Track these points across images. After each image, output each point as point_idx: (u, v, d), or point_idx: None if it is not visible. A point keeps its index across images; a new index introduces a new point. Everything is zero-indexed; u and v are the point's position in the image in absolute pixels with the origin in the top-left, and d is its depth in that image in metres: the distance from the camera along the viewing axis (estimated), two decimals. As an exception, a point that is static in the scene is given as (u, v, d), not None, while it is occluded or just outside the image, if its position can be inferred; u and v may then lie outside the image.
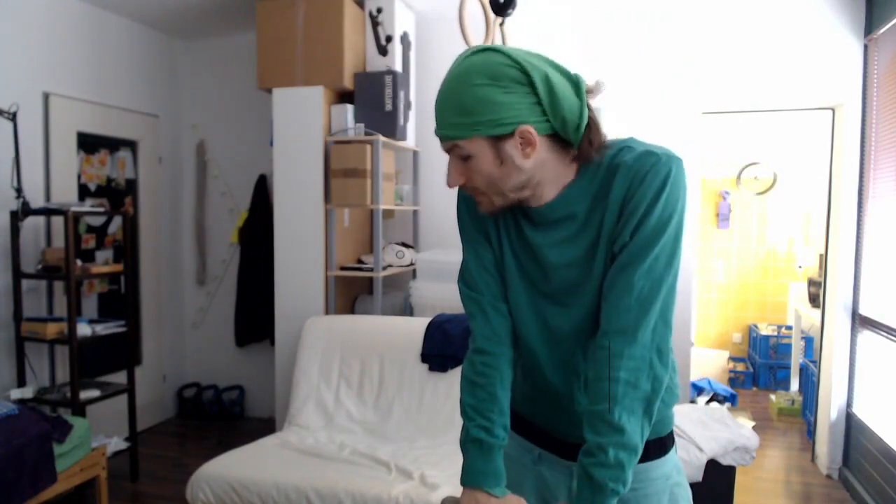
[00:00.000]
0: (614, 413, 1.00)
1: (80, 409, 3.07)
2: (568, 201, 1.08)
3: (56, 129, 3.47)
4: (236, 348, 4.43)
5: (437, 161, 3.89)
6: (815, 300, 4.60)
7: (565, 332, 1.13)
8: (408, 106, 3.65)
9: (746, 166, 5.75)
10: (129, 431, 3.44)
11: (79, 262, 3.19)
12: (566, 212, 1.08)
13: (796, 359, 4.94)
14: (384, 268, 3.50)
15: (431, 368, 3.02)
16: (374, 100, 3.43)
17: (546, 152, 1.03)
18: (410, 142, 3.79)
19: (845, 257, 3.44)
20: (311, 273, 3.41)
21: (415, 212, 3.99)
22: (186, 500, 2.50)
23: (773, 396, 4.86)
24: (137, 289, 4.13)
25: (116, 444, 3.32)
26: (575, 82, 1.01)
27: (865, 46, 3.35)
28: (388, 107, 3.43)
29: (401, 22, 3.60)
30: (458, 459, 1.19)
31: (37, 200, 3.30)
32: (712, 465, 2.63)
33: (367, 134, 3.37)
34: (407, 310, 3.65)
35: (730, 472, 2.73)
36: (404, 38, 3.66)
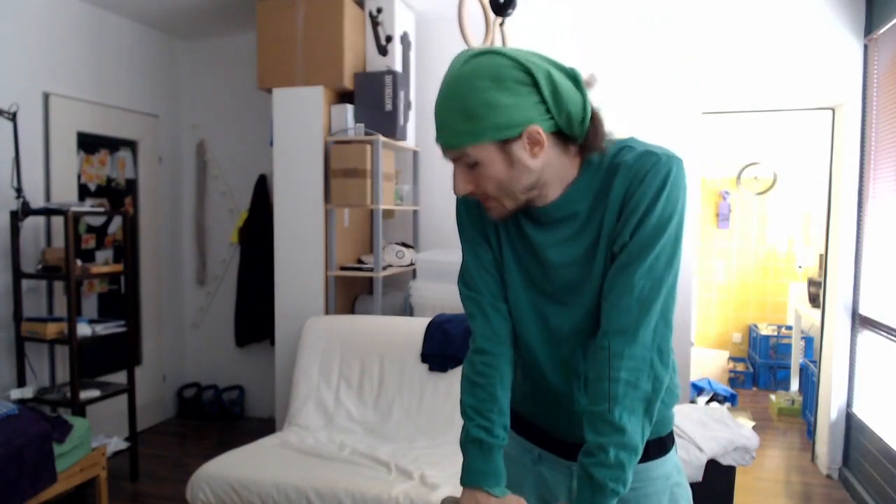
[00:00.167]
0: (615, 413, 1.00)
1: (80, 409, 3.07)
2: (570, 200, 1.07)
3: (56, 129, 3.47)
4: (236, 348, 4.43)
5: (437, 161, 3.88)
6: (815, 300, 4.60)
7: (565, 331, 1.13)
8: (408, 106, 3.65)
9: (746, 166, 5.75)
10: (129, 431, 3.44)
11: (79, 262, 3.19)
12: (568, 211, 1.08)
13: (796, 359, 4.94)
14: (384, 268, 3.50)
15: (431, 368, 3.02)
16: (374, 100, 3.43)
17: (552, 150, 1.02)
18: (410, 142, 3.79)
19: (845, 257, 3.44)
20: (311, 273, 3.41)
21: (415, 212, 3.99)
22: (186, 500, 2.50)
23: (773, 396, 4.86)
24: (137, 289, 4.13)
25: (116, 444, 3.32)
26: (573, 76, 1.01)
27: (865, 46, 3.35)
28: (388, 107, 3.43)
29: (401, 22, 3.61)
30: (458, 459, 1.19)
31: (37, 200, 3.30)
32: (712, 465, 2.63)
33: (367, 134, 3.37)
34: (407, 310, 3.65)
35: (730, 472, 2.73)
36: (404, 38, 3.66)
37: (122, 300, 3.72)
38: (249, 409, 4.51)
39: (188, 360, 4.63)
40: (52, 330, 3.08)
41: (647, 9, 3.63)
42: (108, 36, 3.84)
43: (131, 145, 4.09)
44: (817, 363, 3.79)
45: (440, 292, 3.39)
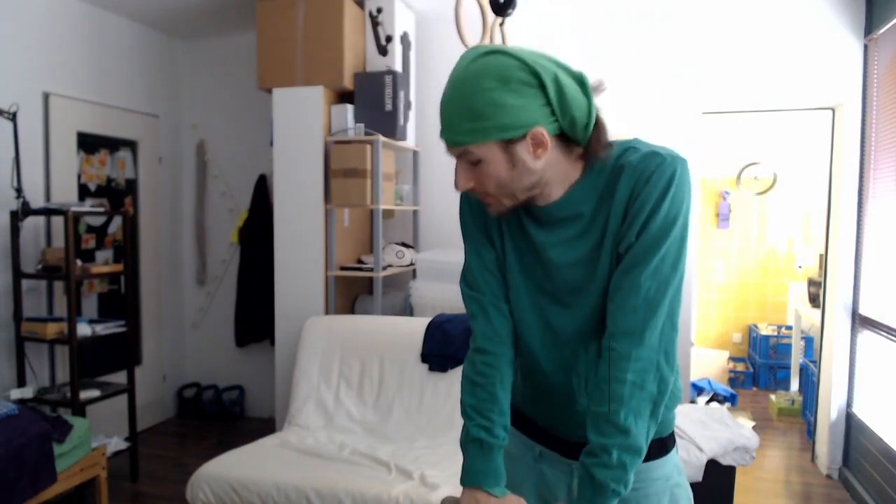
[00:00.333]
0: (620, 414, 0.99)
1: (80, 409, 3.07)
2: (574, 201, 1.07)
3: (56, 129, 3.47)
4: (236, 348, 4.42)
5: (437, 161, 3.89)
6: (815, 300, 4.60)
7: (567, 332, 1.13)
8: (408, 106, 3.65)
9: (746, 166, 5.75)
10: (129, 431, 3.44)
11: (79, 262, 3.19)
12: (572, 211, 1.08)
13: (796, 359, 4.94)
14: (384, 268, 3.50)
15: (431, 368, 3.02)
16: (374, 100, 3.43)
17: (555, 152, 1.02)
18: (410, 142, 3.79)
19: (845, 257, 3.44)
20: (311, 273, 3.41)
21: (415, 212, 3.99)
22: (186, 500, 2.50)
23: (773, 396, 4.86)
24: (137, 289, 4.13)
25: (116, 444, 3.32)
26: (581, 81, 1.01)
27: (865, 46, 3.35)
28: (388, 107, 3.43)
29: (401, 22, 3.61)
30: (458, 459, 1.19)
31: (37, 200, 3.30)
32: (712, 465, 2.63)
33: (367, 134, 3.37)
34: (407, 310, 3.65)
35: (730, 472, 2.73)
36: (404, 38, 3.66)
37: (122, 300, 3.72)
38: (249, 409, 4.51)
39: (188, 360, 4.63)
40: (52, 330, 3.08)
41: (647, 9, 3.63)
42: (108, 36, 3.84)
43: (131, 145, 4.09)
44: (817, 363, 3.79)
45: (440, 292, 3.39)
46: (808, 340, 5.11)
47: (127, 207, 4.01)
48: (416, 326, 3.13)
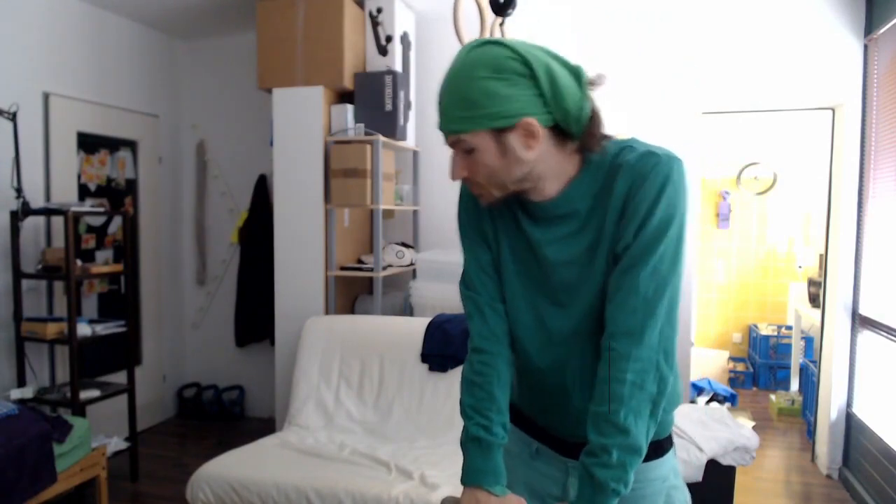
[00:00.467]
0: (620, 414, 1.00)
1: (80, 409, 3.07)
2: (570, 198, 1.08)
3: (56, 129, 3.47)
4: (236, 348, 4.42)
5: (437, 161, 3.89)
6: (815, 300, 4.60)
7: (562, 332, 1.13)
8: (408, 106, 3.65)
9: (746, 166, 5.75)
10: (129, 431, 3.44)
11: (79, 262, 3.19)
12: (568, 209, 1.08)
13: (796, 359, 4.94)
14: (384, 268, 3.50)
15: (431, 368, 3.02)
16: (374, 100, 3.43)
17: (548, 144, 1.03)
18: (410, 142, 3.79)
19: (845, 257, 3.44)
20: (311, 273, 3.41)
21: (415, 212, 3.99)
22: (186, 500, 2.50)
23: (773, 396, 4.86)
24: (137, 289, 4.13)
25: (116, 444, 3.32)
26: (576, 73, 1.02)
27: (865, 46, 3.35)
28: (388, 107, 3.43)
29: (401, 22, 3.61)
30: (458, 459, 1.19)
31: (37, 200, 3.30)
32: (712, 465, 2.63)
33: (367, 134, 3.37)
34: (407, 310, 3.65)
35: (730, 472, 2.73)
36: (404, 38, 3.66)
37: (122, 300, 3.72)
38: (249, 409, 4.51)
39: (188, 360, 4.63)
40: (52, 330, 3.08)
41: (647, 9, 3.63)
42: (108, 36, 3.84)
43: (131, 145, 4.09)
44: (817, 363, 3.79)
45: (440, 292, 3.39)
46: (808, 340, 5.11)
47: (127, 207, 4.01)
48: (416, 326, 3.13)
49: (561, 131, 1.03)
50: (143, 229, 4.17)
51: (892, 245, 3.04)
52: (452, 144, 1.06)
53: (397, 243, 3.76)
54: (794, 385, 4.93)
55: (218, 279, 4.53)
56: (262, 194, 4.26)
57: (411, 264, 3.67)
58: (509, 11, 2.89)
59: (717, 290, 5.90)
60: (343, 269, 3.50)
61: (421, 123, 3.86)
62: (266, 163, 4.10)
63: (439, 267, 3.41)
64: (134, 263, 4.01)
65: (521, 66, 0.97)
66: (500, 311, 1.19)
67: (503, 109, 0.98)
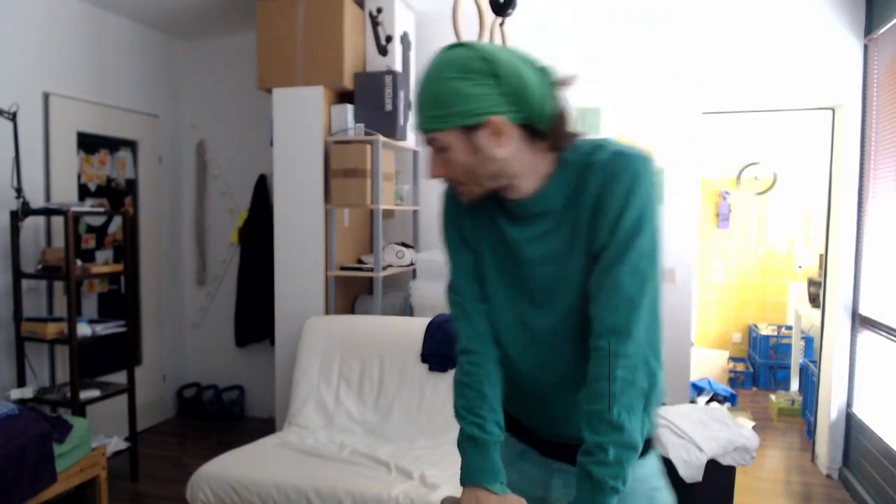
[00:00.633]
0: (614, 411, 1.01)
1: (80, 409, 3.07)
2: (546, 196, 1.10)
3: (56, 129, 3.47)
4: (236, 348, 4.42)
5: (437, 161, 3.88)
6: (815, 300, 4.60)
7: (542, 332, 1.15)
8: (408, 106, 3.65)
9: (746, 166, 5.75)
10: (129, 431, 3.44)
11: (79, 262, 3.19)
12: (544, 207, 1.11)
13: (796, 359, 4.94)
14: (384, 268, 3.50)
15: (431, 368, 3.02)
16: (374, 100, 3.43)
17: (520, 142, 1.06)
18: (410, 142, 3.79)
19: (845, 257, 3.44)
20: (311, 273, 3.41)
21: (415, 212, 3.99)
22: (186, 500, 2.50)
23: (773, 396, 4.86)
24: (137, 289, 4.13)
25: (116, 444, 3.32)
26: (544, 73, 1.05)
27: (865, 46, 3.35)
28: (388, 107, 3.43)
29: (401, 22, 3.61)
30: (458, 459, 1.19)
31: (37, 200, 3.30)
32: (712, 465, 2.63)
33: (367, 134, 3.36)
34: (407, 310, 3.65)
35: (730, 472, 2.73)
36: (404, 38, 3.66)
37: (122, 300, 3.72)
38: (249, 409, 4.51)
39: (188, 360, 4.63)
40: (52, 330, 3.08)
41: (647, 9, 3.63)
42: (108, 36, 3.84)
43: (131, 145, 4.09)
44: (817, 363, 3.79)
45: (440, 292, 3.39)
46: (808, 340, 5.11)
47: (127, 207, 4.01)
48: (416, 326, 3.13)
49: (532, 129, 1.06)
50: (143, 229, 4.18)
51: (892, 245, 3.04)
52: (428, 143, 1.09)
53: (397, 243, 3.76)
54: (794, 385, 4.93)
55: (218, 279, 4.53)
56: (262, 194, 4.26)
57: (411, 264, 3.67)
58: (509, 11, 2.89)
59: (717, 290, 5.90)
60: (343, 269, 3.50)
61: (421, 123, 3.85)
62: (266, 163, 4.10)
63: (439, 267, 3.41)
64: (134, 263, 4.02)
65: (486, 66, 1.01)
66: (484, 311, 1.21)
67: (470, 108, 1.01)
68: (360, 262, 3.72)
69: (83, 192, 3.72)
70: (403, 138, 3.60)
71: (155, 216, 4.28)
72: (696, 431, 2.69)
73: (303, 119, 3.38)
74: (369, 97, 3.44)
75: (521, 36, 3.60)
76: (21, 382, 3.18)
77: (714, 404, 4.35)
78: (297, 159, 3.40)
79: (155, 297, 4.30)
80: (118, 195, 4.00)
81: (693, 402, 4.31)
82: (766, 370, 5.39)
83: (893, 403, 2.97)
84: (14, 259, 3.13)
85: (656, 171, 1.06)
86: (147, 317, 4.23)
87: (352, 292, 3.78)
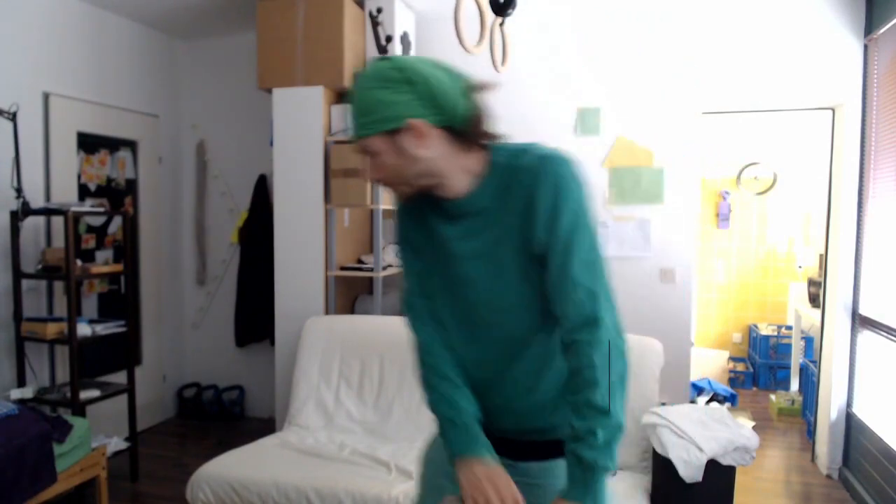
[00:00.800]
0: (598, 397, 1.08)
1: (80, 409, 3.07)
2: (478, 196, 1.18)
3: (56, 129, 3.47)
4: (236, 348, 4.42)
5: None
6: (815, 300, 4.60)
7: (481, 328, 1.23)
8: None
9: (746, 166, 5.75)
10: (129, 431, 3.44)
11: (79, 262, 3.19)
12: (477, 206, 1.19)
13: (796, 359, 4.94)
14: (384, 268, 3.50)
15: (431, 368, 3.02)
16: (374, 100, 3.42)
17: (443, 143, 1.13)
18: (410, 142, 3.78)
19: (845, 257, 3.44)
20: (311, 273, 3.41)
21: (415, 212, 3.98)
22: (186, 500, 2.50)
23: (773, 396, 4.86)
24: (137, 289, 4.13)
25: (116, 444, 3.32)
26: (458, 79, 1.13)
27: (865, 46, 3.35)
28: (388, 107, 3.42)
29: (401, 22, 3.61)
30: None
31: (37, 200, 3.30)
32: (712, 465, 2.62)
33: (367, 134, 3.36)
34: (407, 310, 3.64)
35: (730, 472, 2.73)
36: (404, 38, 3.66)
37: (122, 300, 3.72)
38: (249, 409, 4.51)
39: (188, 360, 4.63)
40: (52, 330, 3.08)
41: (647, 9, 3.63)
42: (108, 36, 3.84)
43: (131, 145, 4.09)
44: (817, 363, 3.79)
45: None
46: (808, 340, 5.11)
47: (127, 207, 4.01)
48: (416, 326, 3.13)
49: (454, 131, 1.13)
50: (143, 229, 4.18)
51: (892, 245, 3.04)
52: (361, 150, 1.16)
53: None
54: (794, 385, 4.93)
55: (218, 279, 4.53)
56: (262, 194, 4.26)
57: (411, 264, 3.66)
58: (509, 11, 2.89)
59: (717, 290, 5.90)
60: (343, 269, 3.50)
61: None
62: (266, 163, 4.10)
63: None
64: (134, 263, 4.02)
65: (400, 74, 1.09)
66: (430, 307, 1.31)
67: (390, 114, 1.09)
68: (360, 262, 3.72)
69: (83, 192, 3.72)
70: (403, 138, 3.59)
71: (155, 216, 4.28)
72: (696, 431, 2.69)
73: (303, 119, 3.38)
74: (369, 97, 3.43)
75: (521, 36, 3.60)
76: (21, 382, 3.18)
77: (714, 404, 4.35)
78: (297, 159, 3.40)
79: (155, 297, 4.30)
80: (118, 195, 4.01)
81: (693, 402, 4.31)
82: (766, 370, 5.39)
83: (893, 403, 2.97)
84: (14, 259, 3.13)
85: (578, 170, 1.14)
86: (147, 317, 4.23)
87: (352, 292, 3.78)
